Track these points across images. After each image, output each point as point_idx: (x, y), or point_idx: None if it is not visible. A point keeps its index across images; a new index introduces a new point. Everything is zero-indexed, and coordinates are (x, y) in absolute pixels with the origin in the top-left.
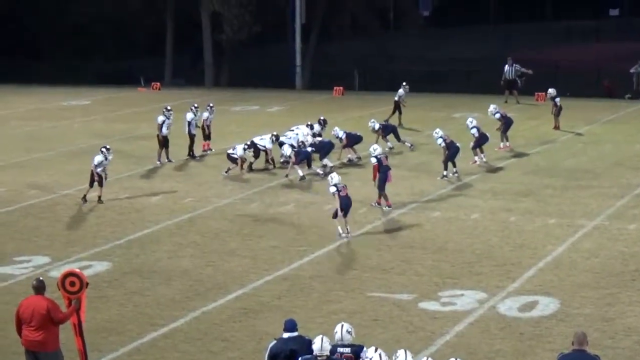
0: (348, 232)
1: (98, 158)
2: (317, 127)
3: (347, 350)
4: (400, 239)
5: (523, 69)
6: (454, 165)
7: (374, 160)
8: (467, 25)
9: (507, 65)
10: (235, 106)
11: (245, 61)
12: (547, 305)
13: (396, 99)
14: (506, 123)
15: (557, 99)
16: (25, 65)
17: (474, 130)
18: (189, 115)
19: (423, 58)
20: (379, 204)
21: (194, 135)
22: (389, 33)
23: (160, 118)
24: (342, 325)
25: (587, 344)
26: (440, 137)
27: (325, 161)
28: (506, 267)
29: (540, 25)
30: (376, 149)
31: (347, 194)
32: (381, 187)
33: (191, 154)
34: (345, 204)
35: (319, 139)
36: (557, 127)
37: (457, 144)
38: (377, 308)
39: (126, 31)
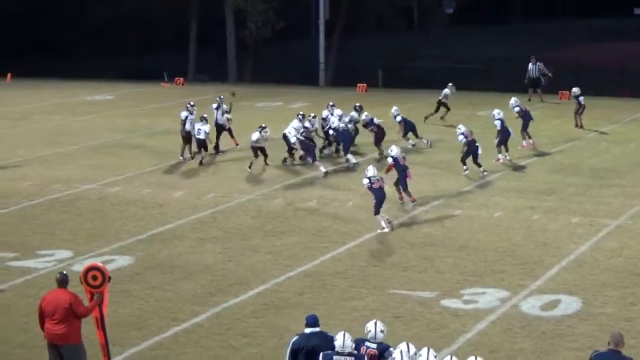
0: (390, 223)
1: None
2: (336, 113)
3: (373, 346)
4: (422, 236)
5: (545, 69)
6: (479, 166)
7: (390, 160)
8: (490, 24)
9: (530, 64)
10: (259, 102)
11: (269, 57)
12: (569, 304)
13: (440, 98)
14: (525, 119)
15: (581, 98)
16: (50, 61)
17: (498, 123)
18: (215, 110)
19: (446, 56)
20: (401, 199)
21: (223, 126)
22: (413, 30)
23: (184, 113)
24: (376, 323)
25: (623, 344)
26: (462, 133)
27: (349, 156)
28: (529, 265)
29: (563, 24)
30: (393, 150)
31: (380, 187)
32: (403, 186)
33: (216, 148)
34: (379, 197)
35: (342, 125)
36: (579, 126)
37: (477, 144)
38: (399, 305)
39: (150, 28)
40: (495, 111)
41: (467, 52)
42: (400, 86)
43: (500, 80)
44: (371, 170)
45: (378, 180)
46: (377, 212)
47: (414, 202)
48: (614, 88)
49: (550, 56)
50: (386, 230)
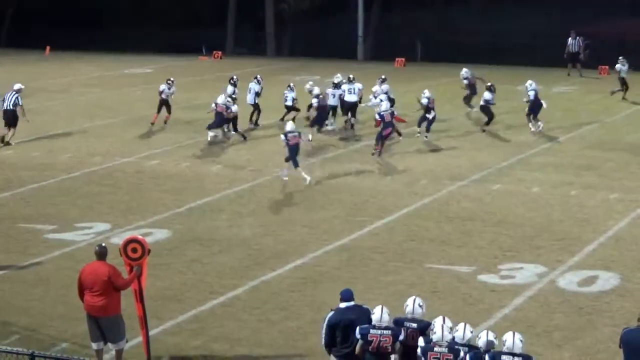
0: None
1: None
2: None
3: (414, 325)
4: (460, 211)
5: (582, 46)
6: (427, 131)
7: (377, 116)
8: None
9: (570, 38)
10: (296, 76)
11: (307, 31)
12: (607, 280)
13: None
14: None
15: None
16: (88, 34)
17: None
18: (253, 86)
19: (486, 30)
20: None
21: (257, 104)
22: (453, 4)
23: (230, 89)
24: (415, 299)
25: None
26: (427, 97)
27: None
28: (566, 241)
29: None
30: (382, 106)
31: (296, 143)
32: (378, 137)
33: (254, 123)
34: (292, 153)
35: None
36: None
37: (434, 113)
38: (435, 280)
39: (190, 1)
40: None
41: (508, 27)
42: (440, 60)
43: (540, 54)
44: (288, 126)
45: (295, 136)
46: (295, 165)
47: (377, 151)
48: None
49: (591, 30)
50: (307, 179)
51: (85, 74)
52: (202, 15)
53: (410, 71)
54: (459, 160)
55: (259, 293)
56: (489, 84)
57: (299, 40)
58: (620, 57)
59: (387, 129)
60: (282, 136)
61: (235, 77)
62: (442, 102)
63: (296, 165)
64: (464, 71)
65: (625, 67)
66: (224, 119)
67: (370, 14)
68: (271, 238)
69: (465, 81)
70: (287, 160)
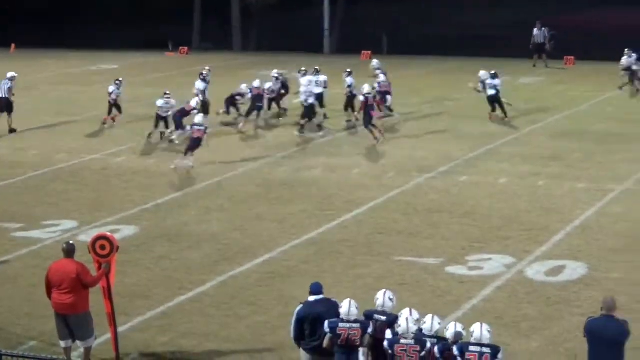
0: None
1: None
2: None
3: (383, 318)
4: (427, 203)
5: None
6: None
7: (362, 98)
8: None
9: (535, 29)
10: (263, 70)
11: (274, 26)
12: (574, 270)
13: (634, 68)
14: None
15: (635, 67)
16: (53, 31)
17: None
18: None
19: (452, 22)
20: (375, 138)
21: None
22: None
23: (201, 84)
24: (385, 292)
25: (616, 309)
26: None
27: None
28: (534, 231)
29: None
30: (365, 88)
31: (198, 137)
32: (366, 123)
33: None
34: (192, 144)
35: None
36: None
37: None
38: (404, 272)
39: None
40: (482, 72)
41: (474, 18)
42: (407, 53)
43: (507, 46)
44: (197, 118)
45: (199, 130)
46: (186, 153)
47: (382, 135)
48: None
49: (556, 21)
50: (190, 164)
51: (50, 71)
52: (168, 10)
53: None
54: (426, 153)
55: (227, 288)
56: (493, 72)
57: (266, 34)
58: (626, 49)
59: (373, 111)
60: (188, 126)
61: (204, 71)
62: (408, 95)
63: (186, 153)
64: (375, 62)
65: (633, 58)
66: (262, 102)
67: (337, 7)
68: (239, 233)
69: (378, 70)
70: (186, 150)
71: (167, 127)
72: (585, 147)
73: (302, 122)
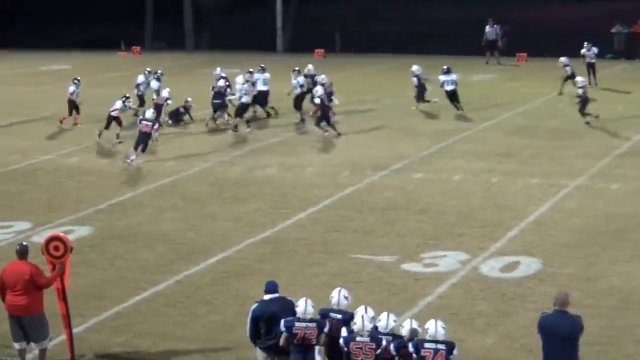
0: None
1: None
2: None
3: (339, 316)
4: (382, 200)
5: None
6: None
7: (317, 100)
8: None
9: (487, 26)
10: (216, 70)
11: (227, 24)
12: (529, 266)
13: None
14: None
15: (567, 68)
16: (3, 29)
17: (415, 80)
18: (140, 78)
19: (404, 19)
20: (326, 132)
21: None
22: None
23: (155, 83)
24: (340, 290)
25: (569, 304)
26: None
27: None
28: (488, 228)
29: None
30: (318, 91)
31: (145, 132)
32: (327, 121)
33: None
34: (141, 139)
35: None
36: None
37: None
38: (359, 270)
39: None
40: (414, 67)
41: (427, 15)
42: (359, 51)
43: (458, 43)
44: (147, 113)
45: (147, 125)
46: (135, 147)
47: (339, 134)
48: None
49: (509, 18)
50: (132, 158)
51: (0, 71)
52: (119, 9)
53: (329, 62)
54: (381, 150)
55: (183, 288)
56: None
57: (218, 33)
58: (585, 43)
59: (329, 111)
60: (138, 121)
61: (159, 71)
62: (362, 92)
63: (135, 148)
64: (310, 66)
65: (592, 52)
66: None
67: (289, 6)
68: (193, 232)
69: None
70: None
71: (119, 125)
72: (538, 144)
73: (236, 121)
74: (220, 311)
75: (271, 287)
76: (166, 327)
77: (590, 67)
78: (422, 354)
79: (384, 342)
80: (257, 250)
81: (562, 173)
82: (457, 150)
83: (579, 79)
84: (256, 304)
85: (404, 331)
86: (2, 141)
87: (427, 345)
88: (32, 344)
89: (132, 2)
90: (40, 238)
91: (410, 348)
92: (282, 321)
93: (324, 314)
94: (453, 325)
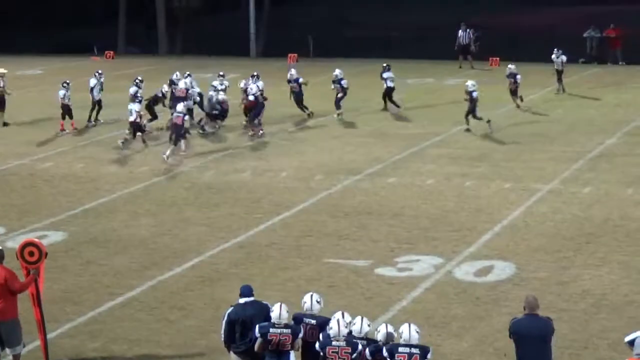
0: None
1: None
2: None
3: (313, 321)
4: (356, 205)
5: (472, 38)
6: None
7: (252, 97)
8: None
9: (460, 31)
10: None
11: (200, 29)
12: (502, 270)
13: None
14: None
15: (518, 77)
16: None
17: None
18: (92, 81)
19: (377, 23)
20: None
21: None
22: None
23: (133, 89)
24: (312, 295)
25: (539, 307)
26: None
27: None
28: (462, 232)
29: None
30: (253, 88)
31: (176, 123)
32: (252, 117)
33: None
34: (174, 132)
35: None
36: (519, 106)
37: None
38: (333, 274)
39: (80, 0)
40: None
41: (399, 19)
42: (333, 55)
43: (432, 47)
44: (179, 106)
45: (178, 116)
46: (174, 143)
47: (262, 133)
48: (545, 53)
49: (481, 22)
50: (167, 154)
51: None
52: (92, 13)
53: (302, 66)
54: (354, 155)
55: (157, 293)
56: None
57: (192, 38)
58: (555, 49)
59: (260, 109)
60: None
61: (139, 77)
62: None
63: (174, 143)
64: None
65: (560, 60)
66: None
67: (263, 10)
68: (168, 237)
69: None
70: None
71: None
72: (511, 148)
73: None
74: (194, 316)
75: (246, 291)
76: (141, 332)
77: (559, 74)
78: (396, 358)
79: (359, 347)
80: (231, 255)
81: (534, 177)
82: (430, 154)
83: (469, 82)
84: (231, 308)
85: (380, 336)
86: None
87: (401, 349)
88: (7, 350)
89: (104, 5)
90: (14, 243)
91: (384, 353)
92: (257, 327)
93: (298, 319)
94: (427, 329)
